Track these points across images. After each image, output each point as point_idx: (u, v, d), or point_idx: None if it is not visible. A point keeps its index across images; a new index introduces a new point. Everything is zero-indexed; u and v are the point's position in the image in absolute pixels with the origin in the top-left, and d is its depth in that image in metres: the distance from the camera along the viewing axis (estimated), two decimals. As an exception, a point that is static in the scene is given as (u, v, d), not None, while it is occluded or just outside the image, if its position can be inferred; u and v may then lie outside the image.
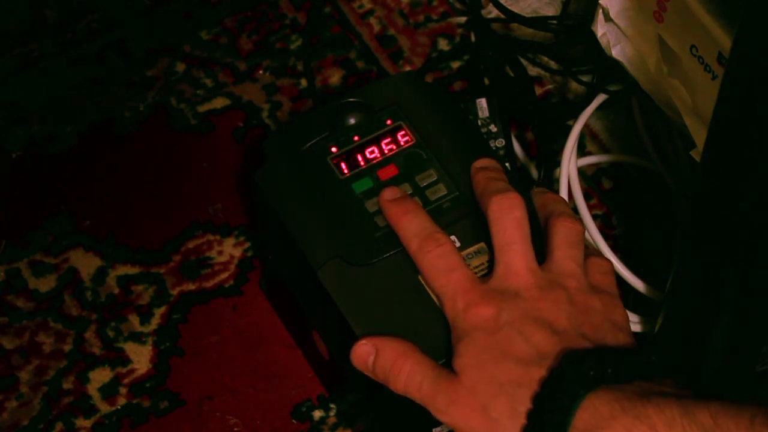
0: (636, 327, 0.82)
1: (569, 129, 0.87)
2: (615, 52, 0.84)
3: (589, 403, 0.64)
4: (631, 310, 0.82)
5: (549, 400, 0.65)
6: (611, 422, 0.63)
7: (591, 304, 0.70)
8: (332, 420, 0.84)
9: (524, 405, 0.66)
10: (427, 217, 0.73)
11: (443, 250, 0.71)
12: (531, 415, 0.66)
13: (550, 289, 0.70)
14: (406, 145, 0.78)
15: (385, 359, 0.70)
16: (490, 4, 0.98)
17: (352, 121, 0.79)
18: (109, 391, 0.85)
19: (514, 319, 0.68)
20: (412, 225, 0.73)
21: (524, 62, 0.96)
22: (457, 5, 1.01)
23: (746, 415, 0.61)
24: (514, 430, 0.66)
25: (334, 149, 0.78)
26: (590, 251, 0.75)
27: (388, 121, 0.79)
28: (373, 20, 1.01)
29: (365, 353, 0.71)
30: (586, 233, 0.83)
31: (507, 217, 0.71)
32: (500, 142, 0.89)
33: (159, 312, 0.88)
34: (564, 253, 0.72)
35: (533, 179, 0.91)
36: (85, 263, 0.90)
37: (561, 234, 0.72)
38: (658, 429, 0.62)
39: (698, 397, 0.63)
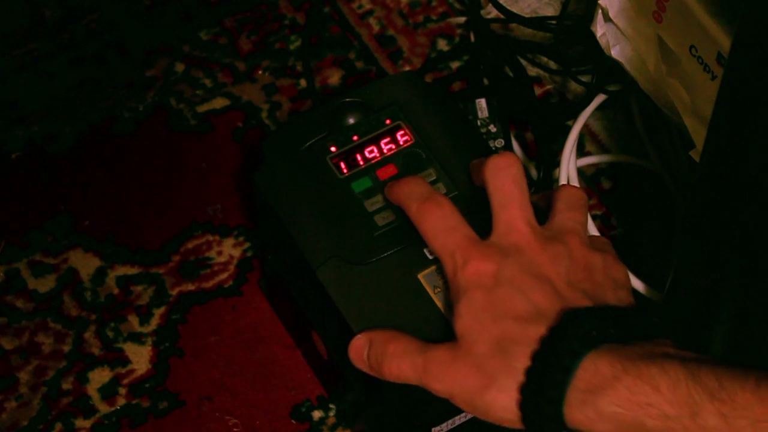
0: (635, 327, 0.82)
1: (568, 129, 0.87)
2: (614, 53, 0.84)
3: (590, 363, 0.63)
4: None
5: (549, 358, 0.64)
6: (613, 382, 0.62)
7: (592, 261, 0.70)
8: (332, 420, 0.84)
9: (522, 362, 0.65)
10: (426, 183, 0.73)
11: (443, 211, 0.70)
12: (529, 373, 0.65)
13: (551, 244, 0.69)
14: (405, 145, 0.78)
15: (377, 347, 0.70)
16: (490, 4, 0.98)
17: (351, 120, 0.79)
18: (108, 392, 0.85)
19: (514, 276, 0.67)
20: (410, 189, 0.72)
21: (523, 62, 0.96)
22: (457, 5, 1.01)
23: (752, 378, 0.60)
24: (511, 388, 0.65)
25: (333, 149, 0.78)
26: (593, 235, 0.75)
27: (388, 121, 0.79)
28: (372, 20, 1.01)
29: (360, 347, 0.70)
30: (586, 233, 0.83)
31: (503, 175, 0.70)
32: (500, 143, 0.89)
33: (158, 312, 0.88)
34: (566, 215, 0.71)
35: (533, 179, 0.91)
36: (85, 263, 0.90)
37: (564, 198, 0.72)
38: (661, 390, 0.61)
39: (702, 359, 0.62)
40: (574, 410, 0.63)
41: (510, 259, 0.68)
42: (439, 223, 0.70)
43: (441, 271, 0.71)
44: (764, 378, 0.60)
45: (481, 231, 0.73)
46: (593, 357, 0.63)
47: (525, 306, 0.67)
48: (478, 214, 0.74)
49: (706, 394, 0.60)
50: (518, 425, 0.66)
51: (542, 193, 0.76)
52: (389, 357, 0.69)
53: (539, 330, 0.66)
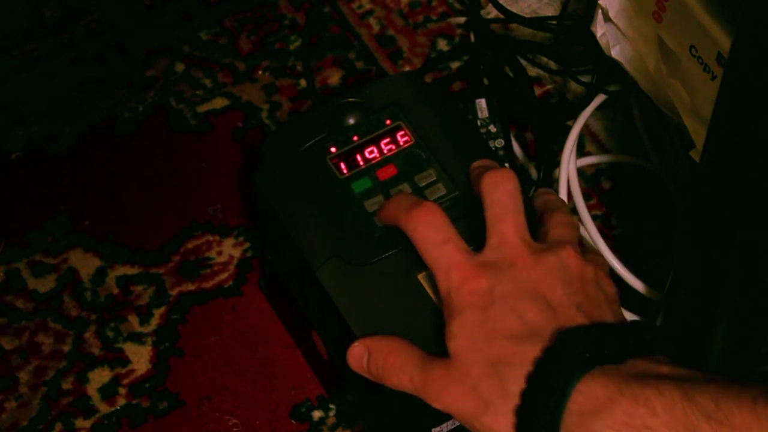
0: (635, 327, 0.82)
1: (568, 129, 0.87)
2: (614, 53, 0.84)
3: (584, 386, 0.63)
4: (631, 311, 0.82)
5: (543, 380, 0.64)
6: (609, 405, 0.62)
7: (585, 272, 0.69)
8: (332, 420, 0.84)
9: (516, 385, 0.65)
10: (412, 195, 0.73)
11: (434, 219, 0.69)
12: (524, 396, 0.64)
13: (544, 258, 0.68)
14: (406, 145, 0.78)
15: (376, 358, 0.70)
16: (490, 4, 0.98)
17: (351, 121, 0.79)
18: (108, 392, 0.85)
19: (507, 294, 0.67)
20: (398, 202, 0.71)
21: (523, 62, 0.96)
22: (457, 5, 1.01)
23: (748, 396, 0.60)
24: (505, 410, 0.65)
25: (333, 149, 0.78)
26: (587, 249, 0.74)
27: (388, 121, 0.79)
28: (372, 20, 1.01)
29: (359, 355, 0.70)
30: (586, 234, 0.83)
31: (499, 190, 0.70)
32: (500, 143, 0.89)
33: (158, 312, 0.88)
34: (558, 230, 0.71)
35: (533, 179, 0.91)
36: (85, 263, 0.90)
37: (556, 220, 0.72)
38: (657, 412, 0.61)
39: (696, 378, 0.62)
40: None
41: (503, 276, 0.68)
42: (430, 233, 0.69)
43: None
44: (760, 395, 0.60)
45: (479, 234, 0.73)
46: (588, 379, 0.63)
47: (519, 325, 0.66)
48: (478, 215, 0.74)
49: (703, 416, 0.60)
50: None
51: (542, 197, 0.75)
52: (389, 370, 0.69)
53: (533, 350, 0.65)
